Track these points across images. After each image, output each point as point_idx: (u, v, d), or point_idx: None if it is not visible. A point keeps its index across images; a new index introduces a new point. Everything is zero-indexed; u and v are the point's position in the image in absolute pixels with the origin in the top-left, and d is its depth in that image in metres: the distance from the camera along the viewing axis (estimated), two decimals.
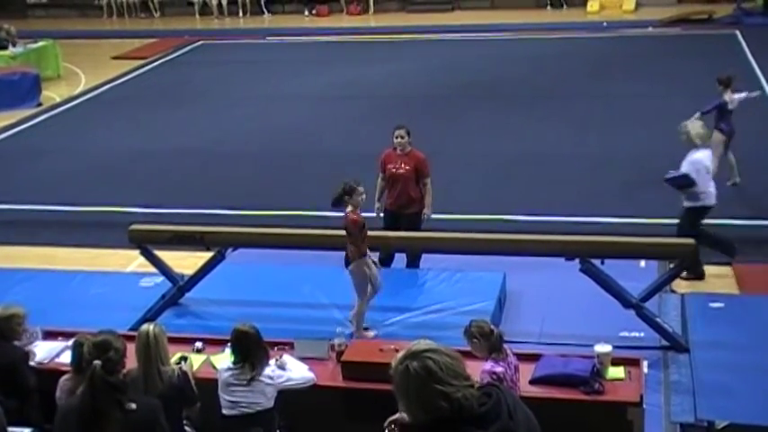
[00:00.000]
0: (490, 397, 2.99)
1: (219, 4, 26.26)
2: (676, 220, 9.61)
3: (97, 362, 4.51)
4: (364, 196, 7.38)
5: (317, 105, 15.67)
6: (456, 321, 6.40)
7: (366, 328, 7.46)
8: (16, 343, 5.99)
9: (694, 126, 8.49)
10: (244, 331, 5.48)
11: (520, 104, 15.01)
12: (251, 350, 5.45)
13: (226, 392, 5.49)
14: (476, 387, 2.98)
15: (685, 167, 8.30)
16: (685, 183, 8.28)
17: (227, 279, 8.38)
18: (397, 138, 8.58)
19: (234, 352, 5.54)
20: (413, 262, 8.83)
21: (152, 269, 8.45)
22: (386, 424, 4.07)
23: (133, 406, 4.55)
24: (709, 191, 8.36)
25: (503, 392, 3.06)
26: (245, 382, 5.42)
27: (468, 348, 5.26)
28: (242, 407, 5.44)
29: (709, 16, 21.51)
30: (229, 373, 5.49)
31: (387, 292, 8.07)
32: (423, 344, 3.01)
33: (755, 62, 16.45)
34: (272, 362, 5.62)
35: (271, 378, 5.48)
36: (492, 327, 5.40)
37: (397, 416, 3.89)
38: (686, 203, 8.42)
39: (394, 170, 8.63)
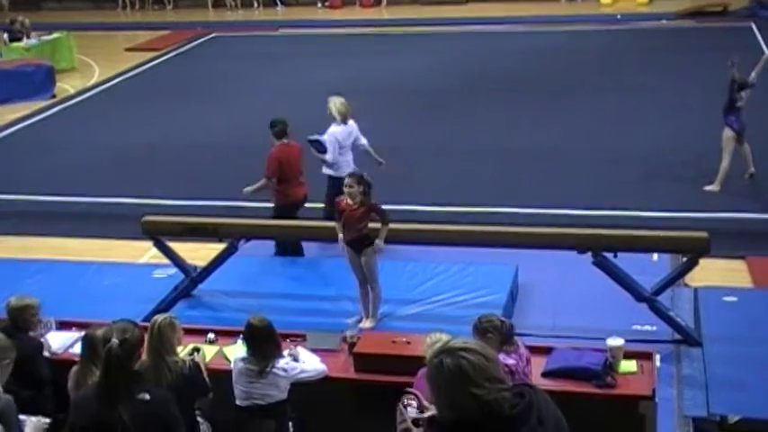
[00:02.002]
0: (522, 398, 2.93)
1: None
2: (688, 214, 9.61)
3: (114, 340, 4.46)
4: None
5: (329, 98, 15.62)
6: (468, 314, 6.38)
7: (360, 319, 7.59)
8: (31, 333, 6.03)
9: (336, 103, 9.39)
10: (256, 324, 5.49)
11: (533, 97, 14.96)
12: (264, 343, 5.46)
13: (240, 383, 5.50)
14: (509, 389, 2.92)
15: (324, 137, 9.22)
16: (318, 147, 9.20)
17: (240, 271, 8.42)
18: None
19: (247, 344, 5.55)
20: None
21: (165, 260, 8.49)
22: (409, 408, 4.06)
23: (147, 396, 4.52)
24: (341, 164, 9.16)
25: (536, 394, 3.00)
26: (258, 374, 5.43)
27: None
28: (255, 398, 5.45)
29: (724, 8, 21.33)
30: (243, 364, 5.50)
31: (399, 285, 8.09)
32: (459, 341, 2.95)
33: None
34: (285, 353, 5.63)
35: (285, 370, 5.48)
36: (501, 318, 5.38)
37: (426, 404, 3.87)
38: (324, 171, 9.32)
39: None
